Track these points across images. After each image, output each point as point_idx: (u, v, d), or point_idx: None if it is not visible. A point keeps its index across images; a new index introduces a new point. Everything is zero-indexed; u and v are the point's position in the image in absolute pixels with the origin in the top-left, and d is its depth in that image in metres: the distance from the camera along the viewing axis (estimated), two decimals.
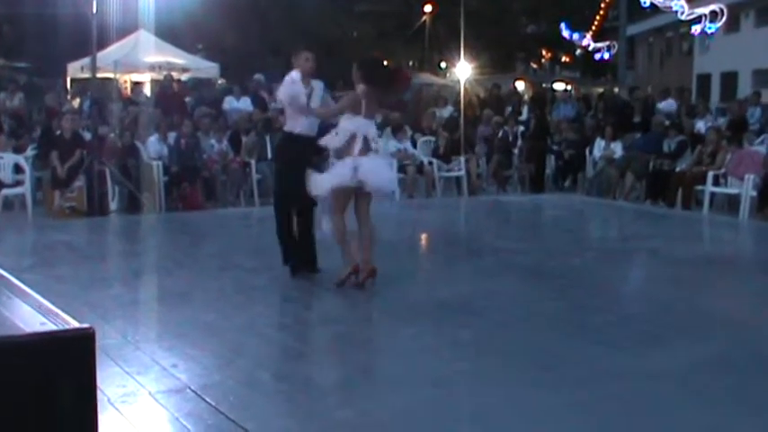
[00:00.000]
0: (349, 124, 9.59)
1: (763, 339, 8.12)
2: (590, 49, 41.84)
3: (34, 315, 2.28)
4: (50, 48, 33.31)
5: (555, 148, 20.60)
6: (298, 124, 10.18)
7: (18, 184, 16.07)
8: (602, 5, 43.04)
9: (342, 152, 9.56)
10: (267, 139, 18.00)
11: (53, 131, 17.45)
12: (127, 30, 26.65)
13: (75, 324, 2.17)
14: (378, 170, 9.61)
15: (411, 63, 56.73)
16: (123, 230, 15.28)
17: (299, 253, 10.38)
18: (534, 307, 9.15)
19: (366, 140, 9.57)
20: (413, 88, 28.76)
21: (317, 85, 10.39)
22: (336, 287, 9.59)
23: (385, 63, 10.93)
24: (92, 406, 2.18)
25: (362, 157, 9.46)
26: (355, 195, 9.60)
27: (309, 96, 10.17)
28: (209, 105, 21.32)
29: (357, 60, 10.25)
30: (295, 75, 10.21)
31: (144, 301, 9.60)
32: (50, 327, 2.18)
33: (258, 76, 24.56)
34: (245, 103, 21.50)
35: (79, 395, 2.14)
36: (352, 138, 9.52)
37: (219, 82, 27.09)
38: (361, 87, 9.73)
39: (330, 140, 9.72)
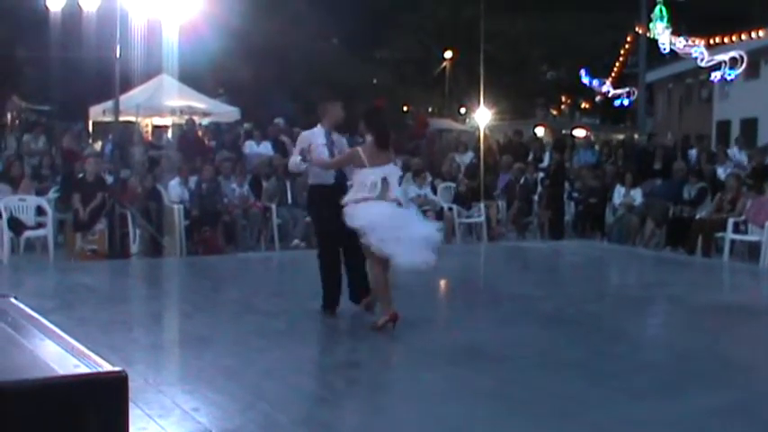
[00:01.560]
0: (360, 177, 9.69)
1: None
2: (609, 95, 41.94)
3: (67, 357, 2.31)
4: (73, 91, 33.55)
5: (575, 195, 20.61)
6: (325, 176, 10.35)
7: (40, 226, 16.15)
8: (622, 52, 43.14)
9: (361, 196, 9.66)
10: (287, 183, 18.07)
11: (75, 174, 17.55)
12: (150, 74, 26.82)
13: (107, 367, 2.21)
14: (408, 246, 9.66)
15: (430, 109, 56.95)
16: (144, 273, 15.32)
17: (352, 284, 10.49)
18: (553, 353, 9.14)
19: (386, 184, 9.65)
20: (429, 133, 28.91)
21: (340, 140, 10.58)
22: (370, 329, 9.67)
23: (383, 110, 11.06)
24: None
25: (379, 203, 9.56)
26: None
27: (330, 146, 10.36)
28: (230, 149, 21.44)
29: (361, 113, 10.44)
30: (318, 129, 10.46)
31: (165, 345, 9.63)
32: (84, 369, 2.21)
33: (278, 121, 24.68)
34: (265, 148, 21.60)
35: None
36: (374, 185, 9.61)
37: (246, 126, 27.16)
38: (368, 138, 9.92)
39: (349, 197, 9.80)
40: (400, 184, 10.87)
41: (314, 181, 10.57)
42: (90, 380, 2.17)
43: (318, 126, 10.63)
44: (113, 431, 2.19)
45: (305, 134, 10.79)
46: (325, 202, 10.22)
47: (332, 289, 10.53)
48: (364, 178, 9.64)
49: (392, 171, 9.91)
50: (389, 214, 9.62)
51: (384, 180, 9.68)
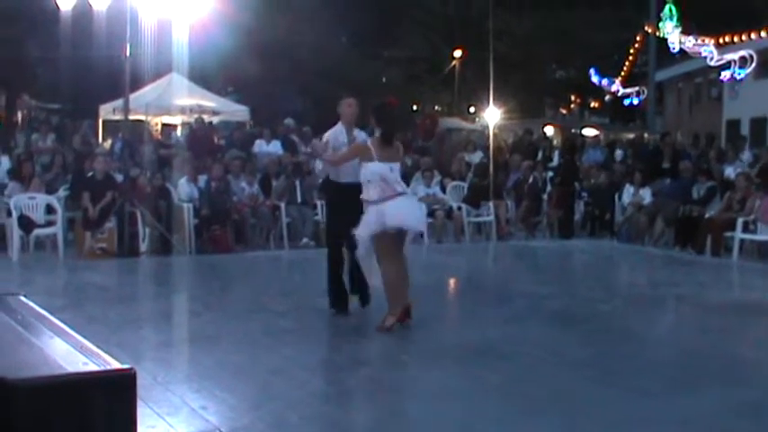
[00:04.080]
0: (369, 169, 9.69)
1: None
2: (619, 94, 41.91)
3: (76, 355, 2.32)
4: (83, 90, 33.63)
5: (584, 194, 20.60)
6: (341, 174, 10.32)
7: (50, 224, 16.19)
8: (632, 51, 43.09)
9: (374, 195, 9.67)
10: (297, 182, 18.08)
11: (85, 173, 17.58)
12: (159, 73, 26.87)
13: (116, 365, 2.22)
14: (403, 210, 9.68)
15: (438, 107, 56.91)
16: (153, 272, 15.34)
17: (354, 285, 10.49)
18: (562, 352, 9.14)
19: (388, 183, 9.65)
20: (438, 133, 28.89)
21: (360, 135, 10.56)
22: (377, 331, 9.66)
23: (394, 106, 11.03)
24: None
25: (388, 201, 9.55)
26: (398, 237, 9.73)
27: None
28: (240, 148, 21.47)
29: (373, 107, 10.43)
30: (339, 127, 10.46)
31: (174, 343, 9.64)
32: (93, 367, 2.22)
33: (288, 121, 24.70)
34: (275, 147, 21.62)
35: None
36: (378, 180, 9.63)
37: (249, 128, 27.20)
38: (376, 132, 9.94)
39: (366, 193, 9.80)
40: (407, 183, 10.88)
41: (345, 180, 10.44)
42: (98, 377, 2.18)
43: (339, 124, 10.64)
44: (121, 428, 2.19)
45: (329, 134, 10.73)
46: (346, 207, 10.16)
47: (340, 287, 10.56)
48: (373, 170, 9.64)
49: (397, 168, 9.91)
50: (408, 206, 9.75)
51: (389, 175, 9.69)
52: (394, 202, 9.59)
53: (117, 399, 2.17)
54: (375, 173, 9.62)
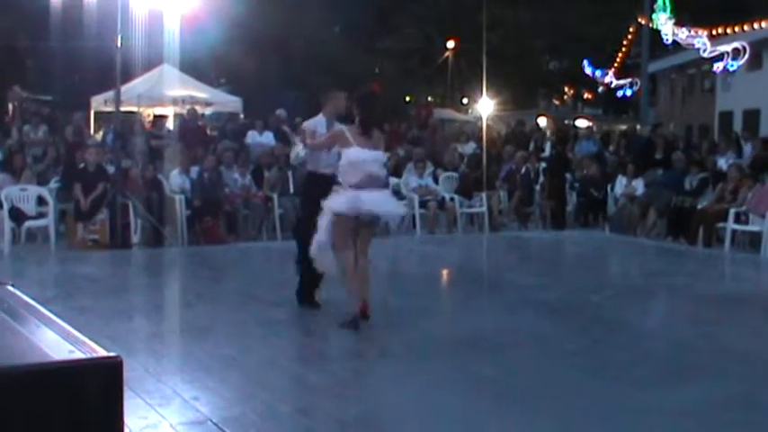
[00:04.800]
0: (347, 155, 9.57)
1: None
2: (612, 86, 41.94)
3: (62, 343, 2.31)
4: (75, 81, 33.57)
5: (576, 185, 20.61)
6: (320, 164, 10.23)
7: (41, 216, 16.16)
8: (625, 43, 43.07)
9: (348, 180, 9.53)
10: (290, 174, 18.05)
11: (76, 164, 17.54)
12: (151, 64, 26.80)
13: (102, 353, 2.20)
14: (379, 199, 9.56)
15: (431, 99, 56.88)
16: (145, 263, 15.31)
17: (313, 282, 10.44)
18: (554, 343, 9.14)
19: (369, 172, 9.52)
20: (431, 123, 28.90)
21: (337, 127, 10.49)
22: (339, 327, 9.49)
23: (376, 94, 10.87)
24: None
25: (363, 191, 9.42)
26: (358, 228, 9.57)
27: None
28: (232, 139, 21.43)
29: (355, 94, 10.35)
30: (320, 118, 10.37)
31: (165, 334, 9.63)
32: (79, 355, 2.21)
33: (280, 112, 24.66)
34: (267, 138, 21.57)
35: (106, 422, 2.16)
36: (356, 166, 9.48)
37: (242, 118, 27.16)
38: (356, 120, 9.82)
39: (343, 178, 9.67)
40: (389, 173, 10.71)
41: (310, 168, 10.44)
42: (85, 365, 2.17)
43: (320, 115, 10.58)
44: (108, 416, 2.18)
45: (307, 124, 10.72)
46: (320, 200, 10.07)
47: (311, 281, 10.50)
48: (350, 156, 9.52)
49: (377, 157, 9.73)
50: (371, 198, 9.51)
51: (369, 170, 9.54)
52: (370, 193, 9.48)
53: (104, 386, 2.15)
54: (352, 158, 9.49)
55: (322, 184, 9.99)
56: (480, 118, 29.60)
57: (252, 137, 21.78)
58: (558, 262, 16.85)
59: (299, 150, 10.65)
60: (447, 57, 54.98)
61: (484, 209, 19.40)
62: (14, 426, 2.08)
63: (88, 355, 2.20)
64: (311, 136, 10.27)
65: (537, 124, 39.61)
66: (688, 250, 16.84)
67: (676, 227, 17.68)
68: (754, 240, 16.67)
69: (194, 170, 17.72)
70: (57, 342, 2.33)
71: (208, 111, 26.57)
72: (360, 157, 9.47)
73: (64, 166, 18.46)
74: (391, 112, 34.04)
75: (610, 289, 12.91)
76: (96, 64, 27.91)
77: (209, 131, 23.30)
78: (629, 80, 41.16)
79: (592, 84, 52.11)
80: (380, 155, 9.80)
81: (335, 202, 9.42)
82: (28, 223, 15.99)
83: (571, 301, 11.66)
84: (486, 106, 28.83)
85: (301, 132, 10.77)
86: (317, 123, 10.48)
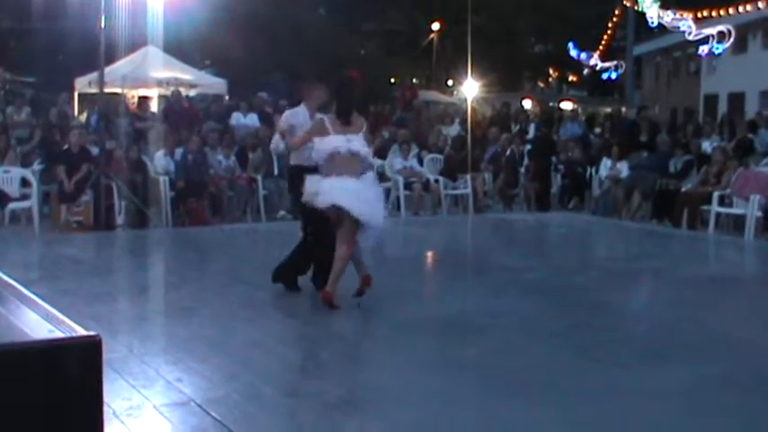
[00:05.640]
0: (322, 146, 9.51)
1: (766, 358, 8.13)
2: (597, 68, 41.91)
3: (42, 323, 2.30)
4: (58, 62, 33.40)
5: (561, 166, 20.63)
6: (303, 157, 10.16)
7: (25, 198, 16.11)
8: (610, 25, 43.02)
9: (327, 170, 9.47)
10: (274, 155, 18.03)
11: (60, 146, 17.48)
12: (135, 45, 26.69)
13: (82, 332, 2.19)
14: (357, 199, 9.37)
15: (416, 80, 56.78)
16: (129, 245, 15.29)
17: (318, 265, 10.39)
18: (538, 325, 9.16)
19: (352, 154, 9.45)
20: (416, 105, 28.90)
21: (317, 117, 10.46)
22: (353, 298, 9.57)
23: (355, 81, 10.72)
24: (98, 412, 2.19)
25: (341, 178, 9.35)
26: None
27: None
28: (217, 121, 21.38)
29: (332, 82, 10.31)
30: (301, 108, 10.32)
31: (149, 316, 9.60)
32: (58, 334, 2.20)
33: (262, 94, 24.65)
34: (251, 120, 21.53)
35: (86, 401, 2.16)
36: (334, 155, 9.40)
37: (226, 98, 27.11)
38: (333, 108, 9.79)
39: (321, 164, 9.60)
40: (372, 155, 10.59)
41: (295, 161, 10.42)
42: (63, 345, 2.16)
43: (301, 106, 10.53)
44: (88, 395, 2.17)
45: (286, 115, 10.68)
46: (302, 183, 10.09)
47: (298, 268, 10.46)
48: (326, 145, 9.46)
49: (358, 141, 9.64)
50: (356, 191, 9.41)
51: (349, 149, 9.47)
52: (350, 184, 9.34)
53: (83, 365, 2.14)
54: (328, 147, 9.44)
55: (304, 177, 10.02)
56: (465, 100, 29.57)
57: (236, 118, 21.74)
58: (543, 244, 16.89)
59: (278, 142, 10.63)
60: (432, 38, 54.92)
61: (468, 191, 19.40)
62: None
63: (68, 335, 2.19)
64: (289, 132, 10.21)
65: (522, 106, 39.57)
66: (672, 233, 16.89)
67: (661, 209, 17.72)
68: (738, 223, 16.72)
69: (179, 152, 17.67)
70: (36, 322, 2.32)
71: (192, 92, 26.48)
72: (336, 143, 9.41)
73: (47, 148, 18.39)
74: (375, 95, 33.95)
75: (594, 271, 12.95)
76: (80, 45, 27.81)
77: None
78: (615, 63, 41.12)
79: (577, 66, 52.11)
80: (359, 139, 9.65)
81: (318, 196, 9.38)
82: (11, 205, 15.95)
83: (555, 282, 11.69)
84: (471, 88, 28.81)
85: (278, 127, 10.70)
86: (297, 115, 10.41)
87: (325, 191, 9.30)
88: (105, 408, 2.27)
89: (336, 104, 9.78)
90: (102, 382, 2.18)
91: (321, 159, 9.48)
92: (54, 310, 2.38)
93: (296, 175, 10.37)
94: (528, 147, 21.94)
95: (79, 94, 27.84)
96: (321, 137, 9.50)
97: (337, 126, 9.50)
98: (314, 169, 9.76)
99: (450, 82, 55.71)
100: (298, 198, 10.57)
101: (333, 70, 11.02)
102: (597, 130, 26.00)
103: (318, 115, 10.13)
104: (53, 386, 2.11)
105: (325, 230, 9.73)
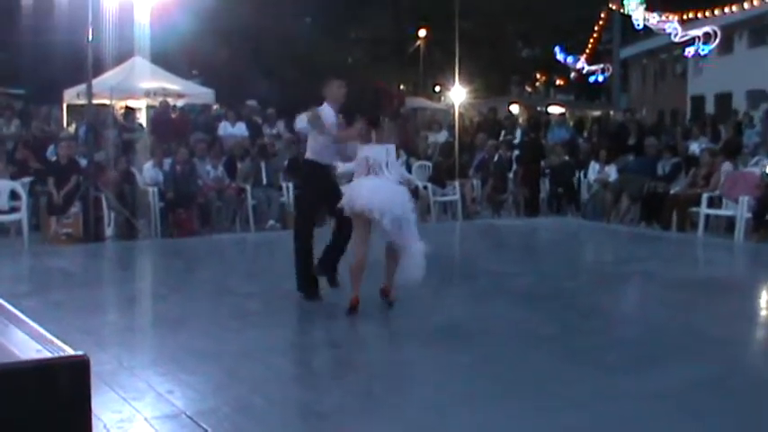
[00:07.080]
0: (361, 152, 9.66)
1: (756, 361, 8.16)
2: (584, 72, 42.06)
3: (30, 342, 2.30)
4: (46, 74, 33.35)
5: (548, 171, 20.65)
6: (324, 154, 10.23)
7: (14, 210, 16.07)
8: (596, 28, 43.19)
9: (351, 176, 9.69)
10: (262, 165, 18.05)
11: (48, 158, 17.46)
12: (122, 56, 26.68)
13: (70, 351, 2.20)
14: (377, 192, 9.53)
15: (403, 87, 56.77)
16: (119, 256, 15.28)
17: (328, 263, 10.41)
18: (529, 330, 9.16)
19: (375, 166, 9.56)
20: (403, 112, 28.90)
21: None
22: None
23: (380, 91, 10.88)
24: (87, 431, 2.20)
25: (364, 180, 9.51)
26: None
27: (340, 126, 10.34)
28: (205, 131, 21.37)
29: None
30: (327, 107, 10.33)
31: (139, 327, 9.60)
32: (46, 354, 2.21)
33: (250, 102, 24.64)
34: (239, 129, 21.54)
35: (74, 422, 2.17)
36: (365, 163, 9.57)
37: (215, 107, 27.11)
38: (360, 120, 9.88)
39: (347, 167, 9.83)
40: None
41: (312, 156, 10.45)
42: (51, 365, 2.16)
43: (326, 105, 10.50)
44: (76, 415, 2.17)
45: (321, 111, 10.58)
46: (318, 180, 10.19)
47: (309, 273, 10.47)
48: (360, 155, 9.63)
49: (382, 152, 9.74)
50: (374, 187, 9.52)
51: (382, 159, 9.60)
52: (372, 182, 9.53)
53: (71, 385, 2.15)
54: (360, 155, 9.63)
55: (322, 174, 10.12)
56: (453, 106, 29.59)
57: (224, 128, 21.75)
58: (532, 249, 16.89)
59: (304, 120, 10.58)
60: (419, 45, 54.94)
61: (457, 197, 19.43)
62: None
63: (56, 354, 2.20)
64: (328, 127, 10.23)
65: (509, 111, 39.63)
66: (661, 236, 16.91)
67: (649, 212, 17.76)
68: (727, 224, 16.76)
69: (167, 162, 17.67)
70: (24, 341, 2.32)
71: (180, 102, 26.46)
72: (364, 154, 9.59)
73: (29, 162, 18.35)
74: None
75: (584, 275, 12.97)
76: (68, 57, 27.75)
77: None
78: (601, 66, 41.32)
79: (564, 70, 52.25)
80: (385, 149, 9.75)
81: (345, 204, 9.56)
82: (1, 218, 15.92)
83: (545, 287, 11.70)
84: (458, 94, 28.85)
85: (315, 118, 10.55)
86: (325, 111, 10.41)
87: (346, 194, 9.50)
88: (96, 421, 2.29)
89: (366, 114, 9.86)
90: (90, 400, 2.18)
91: (357, 166, 9.59)
92: (42, 330, 2.39)
93: (310, 171, 10.40)
94: (516, 152, 21.96)
95: (68, 106, 27.82)
96: (363, 144, 9.63)
97: (367, 135, 9.67)
98: (326, 167, 10.13)
99: (437, 88, 55.74)
100: (306, 193, 10.67)
101: (319, 78, 10.96)
102: (585, 133, 26.08)
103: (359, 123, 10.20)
104: (41, 406, 2.11)
105: (348, 222, 9.89)
